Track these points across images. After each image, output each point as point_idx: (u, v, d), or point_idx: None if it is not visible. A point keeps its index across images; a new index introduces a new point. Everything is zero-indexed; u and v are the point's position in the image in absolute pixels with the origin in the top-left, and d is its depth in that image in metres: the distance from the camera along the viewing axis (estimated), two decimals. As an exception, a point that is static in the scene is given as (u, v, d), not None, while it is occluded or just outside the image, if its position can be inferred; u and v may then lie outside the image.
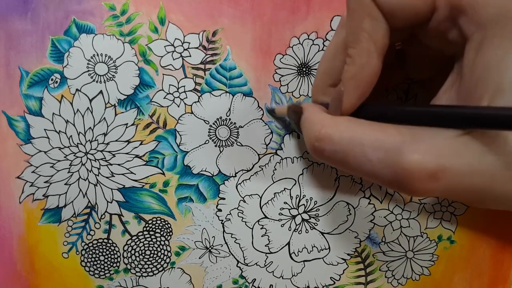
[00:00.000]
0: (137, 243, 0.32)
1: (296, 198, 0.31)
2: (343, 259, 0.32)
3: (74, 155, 0.31)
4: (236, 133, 0.31)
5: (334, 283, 0.32)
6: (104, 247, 0.32)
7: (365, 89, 0.22)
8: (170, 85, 0.31)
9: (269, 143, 0.31)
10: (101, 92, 0.31)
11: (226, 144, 0.31)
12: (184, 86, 0.31)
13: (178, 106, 0.31)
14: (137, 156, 0.31)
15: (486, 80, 0.18)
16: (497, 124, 0.16)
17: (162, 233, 0.32)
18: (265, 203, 0.31)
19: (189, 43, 0.31)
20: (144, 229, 0.32)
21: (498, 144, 0.18)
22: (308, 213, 0.32)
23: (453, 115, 0.18)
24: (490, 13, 0.19)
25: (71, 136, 0.31)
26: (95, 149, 0.31)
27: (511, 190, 0.18)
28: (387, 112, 0.21)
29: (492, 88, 0.18)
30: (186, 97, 0.31)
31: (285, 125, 0.31)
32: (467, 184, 0.18)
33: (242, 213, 0.32)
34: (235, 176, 0.31)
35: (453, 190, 0.18)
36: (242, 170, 0.31)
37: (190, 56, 0.31)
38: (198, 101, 0.31)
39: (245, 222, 0.32)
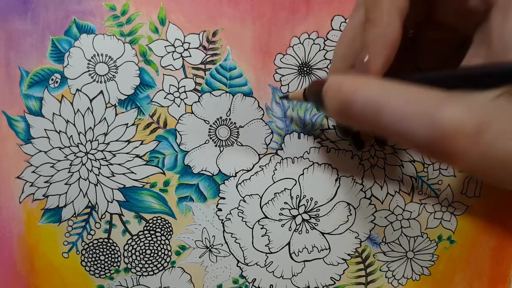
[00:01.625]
0: (138, 242, 0.32)
1: (297, 198, 0.31)
2: (343, 259, 0.32)
3: (74, 155, 0.31)
4: (236, 133, 0.31)
5: (335, 283, 0.32)
6: (104, 246, 0.32)
7: (390, 51, 0.21)
8: (170, 85, 0.31)
9: (269, 143, 0.31)
10: (101, 92, 0.31)
11: (226, 144, 0.31)
12: (184, 86, 0.31)
13: (179, 106, 0.31)
14: (137, 156, 0.31)
15: None
16: None
17: (162, 232, 0.32)
18: (266, 203, 0.31)
19: (190, 43, 0.31)
20: (145, 228, 0.32)
21: None
22: (309, 213, 0.32)
23: (489, 72, 0.17)
24: None
25: (71, 136, 0.31)
26: (95, 149, 0.31)
27: None
28: (418, 78, 0.20)
29: None
30: (187, 97, 0.31)
31: (285, 125, 0.31)
32: (509, 149, 0.16)
33: (242, 213, 0.32)
34: (235, 176, 0.31)
35: (492, 157, 0.16)
36: (242, 170, 0.31)
37: (190, 56, 0.31)
38: (198, 101, 0.31)
39: (245, 222, 0.32)
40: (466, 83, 0.18)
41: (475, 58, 0.21)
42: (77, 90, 0.31)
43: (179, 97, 0.31)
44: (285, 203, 0.32)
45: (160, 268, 0.32)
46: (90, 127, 0.31)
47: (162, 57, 0.31)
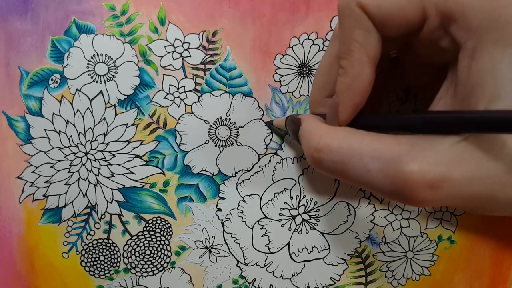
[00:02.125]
0: (137, 243, 0.32)
1: (296, 198, 0.31)
2: (343, 259, 0.32)
3: (74, 155, 0.31)
4: (236, 133, 0.31)
5: (334, 283, 0.32)
6: (104, 247, 0.32)
7: (359, 99, 0.22)
8: (170, 85, 0.31)
9: (269, 143, 0.31)
10: (101, 92, 0.31)
11: (226, 144, 0.31)
12: (184, 86, 0.31)
13: (178, 106, 0.31)
14: (137, 156, 0.31)
15: (481, 86, 0.18)
16: (495, 127, 0.16)
17: (162, 232, 0.32)
18: (265, 203, 0.31)
19: (189, 43, 0.31)
20: (144, 229, 0.32)
21: (496, 149, 0.18)
22: (308, 213, 0.32)
23: (450, 119, 0.18)
24: (481, 19, 0.19)
25: (71, 136, 0.31)
26: (95, 149, 0.31)
27: None
28: (384, 121, 0.21)
29: (488, 94, 0.18)
30: (186, 97, 0.31)
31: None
32: (469, 192, 0.18)
33: (242, 213, 0.32)
34: (235, 176, 0.31)
35: (454, 199, 0.18)
36: (242, 170, 0.31)
37: (190, 56, 0.31)
38: (198, 101, 0.31)
39: (245, 222, 0.32)
40: (429, 128, 0.19)
41: (445, 96, 0.22)
42: (77, 90, 0.31)
43: (179, 97, 0.31)
44: (285, 203, 0.32)
45: (160, 269, 0.32)
46: (90, 127, 0.31)
47: (162, 57, 0.31)
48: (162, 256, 0.32)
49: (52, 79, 0.31)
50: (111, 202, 0.31)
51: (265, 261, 0.32)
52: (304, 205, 0.32)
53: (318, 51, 0.31)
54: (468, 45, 0.19)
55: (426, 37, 0.21)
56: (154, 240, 0.32)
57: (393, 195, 0.19)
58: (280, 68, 0.31)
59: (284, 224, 0.32)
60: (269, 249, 0.32)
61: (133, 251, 0.32)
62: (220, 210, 0.32)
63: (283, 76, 0.31)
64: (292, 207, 0.32)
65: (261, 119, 0.31)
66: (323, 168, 0.22)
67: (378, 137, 0.20)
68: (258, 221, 0.32)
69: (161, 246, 0.32)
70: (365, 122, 0.22)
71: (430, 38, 0.21)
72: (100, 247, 0.32)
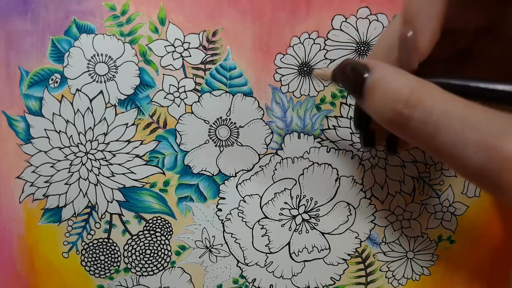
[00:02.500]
0: (138, 242, 0.32)
1: (297, 198, 0.31)
2: (343, 259, 0.32)
3: (74, 155, 0.31)
4: (236, 133, 0.31)
5: (335, 283, 0.32)
6: (104, 246, 0.32)
7: (435, 24, 0.19)
8: (170, 85, 0.31)
9: (269, 143, 0.31)
10: (101, 92, 0.31)
11: (226, 144, 0.31)
12: (184, 86, 0.31)
13: (178, 106, 0.31)
14: (137, 155, 0.31)
15: None
16: None
17: (162, 232, 0.32)
18: (266, 203, 0.31)
19: (189, 43, 0.31)
20: (145, 228, 0.32)
21: None
22: (309, 213, 0.32)
23: None
24: None
25: (71, 136, 0.31)
26: (95, 149, 0.31)
27: None
28: (473, 88, 0.19)
29: None
30: (186, 97, 0.31)
31: (285, 125, 0.31)
32: None
33: (242, 213, 0.32)
34: (235, 176, 0.31)
35: None
36: (242, 170, 0.31)
37: (190, 56, 0.31)
38: (198, 101, 0.31)
39: (245, 222, 0.32)
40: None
41: None
42: (77, 90, 0.31)
43: (179, 97, 0.31)
44: (285, 203, 0.31)
45: (160, 268, 0.32)
46: (90, 127, 0.31)
47: (162, 57, 0.31)
48: (162, 255, 0.32)
49: (52, 79, 0.31)
50: (111, 202, 0.31)
51: (265, 261, 0.32)
52: (304, 205, 0.32)
53: (319, 50, 0.31)
54: None
55: None
56: (154, 239, 0.32)
57: (481, 175, 0.17)
58: (280, 67, 0.31)
59: (284, 224, 0.32)
60: (269, 249, 0.32)
61: (133, 251, 0.32)
62: (220, 210, 0.32)
63: (283, 75, 0.31)
64: (292, 207, 0.32)
65: (261, 119, 0.31)
66: (407, 129, 0.18)
67: (475, 106, 0.17)
68: (258, 221, 0.32)
69: (161, 246, 0.32)
70: (449, 87, 0.19)
71: None
72: (101, 246, 0.32)
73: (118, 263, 0.32)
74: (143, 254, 0.32)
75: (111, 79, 0.31)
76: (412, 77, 0.19)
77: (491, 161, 0.16)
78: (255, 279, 0.32)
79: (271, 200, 0.31)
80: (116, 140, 0.31)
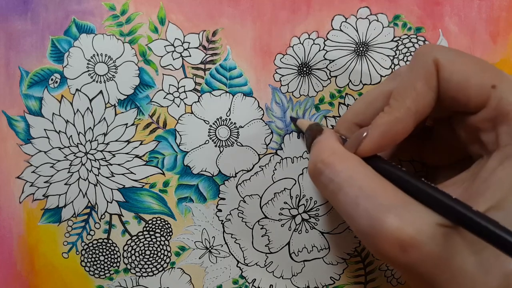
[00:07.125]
0: (137, 243, 0.32)
1: (296, 198, 0.31)
2: (343, 258, 0.32)
3: (74, 155, 0.31)
4: (236, 133, 0.31)
5: (334, 282, 0.32)
6: (104, 247, 0.32)
7: (388, 141, 0.22)
8: (170, 85, 0.31)
9: (269, 143, 0.31)
10: (101, 92, 0.31)
11: (226, 144, 0.31)
12: (184, 86, 0.31)
13: (178, 106, 0.31)
14: (137, 156, 0.31)
15: (495, 192, 0.19)
16: (480, 232, 0.17)
17: (162, 233, 0.32)
18: (265, 203, 0.31)
19: (189, 43, 0.31)
20: (144, 229, 0.32)
21: (475, 251, 0.19)
22: (308, 213, 0.32)
23: (447, 207, 0.19)
24: None
25: (71, 136, 0.31)
26: (95, 149, 0.31)
27: None
28: (392, 175, 0.22)
29: (497, 200, 0.19)
30: (186, 97, 0.31)
31: (285, 125, 0.31)
32: (430, 270, 0.19)
33: (242, 213, 0.32)
34: (235, 176, 0.31)
35: (414, 269, 0.19)
36: (242, 170, 0.31)
37: (190, 56, 0.31)
38: (198, 101, 0.31)
39: (245, 222, 0.32)
40: (428, 203, 0.20)
41: (459, 184, 0.22)
42: (77, 90, 0.31)
43: (178, 97, 0.31)
44: (285, 203, 0.32)
45: (160, 269, 0.32)
46: (90, 127, 0.31)
47: (161, 57, 0.31)
48: (162, 256, 0.32)
49: (52, 79, 0.31)
50: (111, 202, 0.31)
51: (265, 261, 0.32)
52: (304, 204, 0.32)
53: (319, 50, 0.31)
54: (506, 150, 0.20)
55: (473, 123, 0.22)
56: (154, 240, 0.32)
57: (365, 236, 0.20)
58: (280, 68, 0.31)
59: (284, 224, 0.32)
60: (269, 249, 0.32)
61: (133, 251, 0.32)
62: (220, 210, 0.32)
63: (283, 76, 0.31)
64: (292, 207, 0.32)
65: (261, 119, 0.31)
66: (318, 180, 0.23)
67: (381, 183, 0.21)
68: (258, 221, 0.32)
69: (161, 247, 0.32)
70: (377, 164, 0.22)
71: (476, 126, 0.22)
72: (100, 247, 0.32)
73: (118, 264, 0.32)
74: (143, 254, 0.32)
75: (111, 79, 0.31)
76: (340, 147, 0.23)
77: (373, 229, 0.19)
78: (255, 279, 0.32)
79: (271, 200, 0.31)
80: (116, 140, 0.31)
